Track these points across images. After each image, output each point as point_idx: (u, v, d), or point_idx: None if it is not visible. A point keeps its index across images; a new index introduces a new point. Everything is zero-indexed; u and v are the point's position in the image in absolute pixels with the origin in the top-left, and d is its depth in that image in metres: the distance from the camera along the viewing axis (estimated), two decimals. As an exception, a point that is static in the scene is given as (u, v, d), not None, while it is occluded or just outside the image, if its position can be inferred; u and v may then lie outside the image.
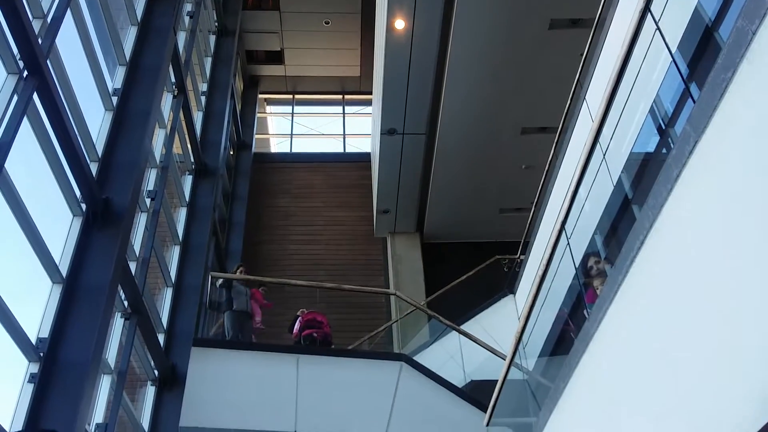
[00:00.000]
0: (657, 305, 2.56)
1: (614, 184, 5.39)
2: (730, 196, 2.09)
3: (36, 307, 5.50)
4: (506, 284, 10.68)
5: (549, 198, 8.40)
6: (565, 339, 6.29)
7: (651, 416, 2.55)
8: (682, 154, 2.32)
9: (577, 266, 4.77)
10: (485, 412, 5.93)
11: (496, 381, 5.73)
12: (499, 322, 9.84)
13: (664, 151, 4.96)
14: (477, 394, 7.39)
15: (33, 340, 5.44)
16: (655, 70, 4.57)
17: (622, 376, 2.86)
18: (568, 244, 4.53)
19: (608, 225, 5.76)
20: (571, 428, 3.54)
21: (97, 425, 6.69)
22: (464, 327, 9.07)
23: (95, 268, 5.77)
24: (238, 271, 9.00)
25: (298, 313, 9.13)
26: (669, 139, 4.78)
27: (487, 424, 5.72)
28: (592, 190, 5.33)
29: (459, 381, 8.35)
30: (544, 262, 4.43)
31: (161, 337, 8.74)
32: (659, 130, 5.12)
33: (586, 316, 3.57)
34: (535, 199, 9.40)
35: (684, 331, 2.33)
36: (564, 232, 4.31)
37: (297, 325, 8.93)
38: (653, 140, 5.32)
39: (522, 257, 10.15)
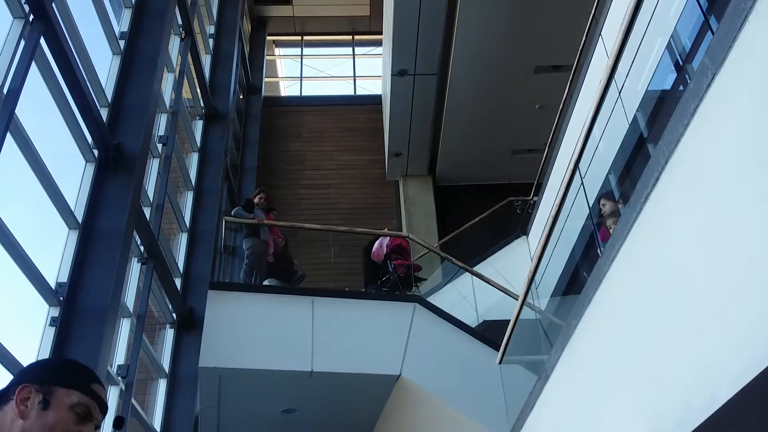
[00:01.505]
0: (672, 242, 2.54)
1: (629, 122, 5.31)
2: (748, 128, 2.05)
3: (54, 253, 5.58)
4: (519, 226, 10.69)
5: (563, 138, 8.30)
6: (578, 279, 6.32)
7: (664, 351, 2.57)
8: (699, 87, 2.27)
9: (590, 206, 4.74)
10: (498, 350, 6.03)
11: (509, 321, 5.80)
12: (511, 263, 9.89)
13: (681, 88, 4.85)
14: (490, 333, 7.49)
15: (52, 285, 5.54)
16: (673, 4, 4.44)
17: (635, 312, 2.87)
18: (582, 183, 4.49)
19: (623, 164, 5.70)
20: (583, 364, 3.58)
21: (119, 366, 6.88)
22: (477, 269, 9.13)
23: (110, 214, 5.82)
24: (258, 196, 8.92)
25: (382, 232, 9.11)
26: (686, 76, 4.67)
27: (500, 362, 5.81)
28: (606, 129, 5.25)
29: (472, 321, 8.45)
30: (558, 201, 4.40)
31: (178, 282, 8.89)
32: (676, 66, 5.00)
33: (599, 254, 3.57)
34: (549, 140, 9.30)
35: (700, 267, 2.32)
36: (578, 171, 4.27)
37: (380, 248, 8.85)
38: (670, 77, 5.21)
39: (535, 199, 10.12)
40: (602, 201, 4.94)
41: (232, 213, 8.66)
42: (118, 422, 1.47)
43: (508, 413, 5.49)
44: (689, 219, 2.41)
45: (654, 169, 2.62)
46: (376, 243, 9.10)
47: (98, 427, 1.36)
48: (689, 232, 2.40)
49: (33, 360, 5.04)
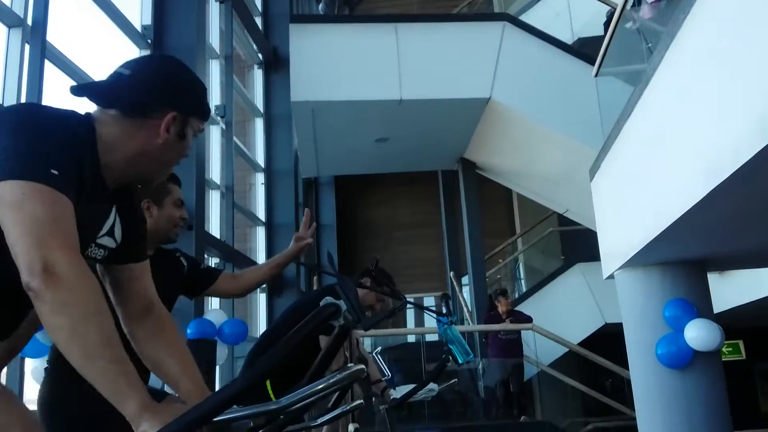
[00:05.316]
0: None
1: None
2: None
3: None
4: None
5: None
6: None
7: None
8: None
9: None
10: (593, 65, 5.76)
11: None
12: (609, -28, 9.01)
13: None
14: (585, 49, 7.13)
15: (138, 29, 5.58)
16: None
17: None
18: None
19: None
20: (688, 63, 3.34)
21: (216, 107, 7.15)
22: (570, -19, 8.39)
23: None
24: None
25: None
26: None
27: (596, 75, 5.59)
28: None
29: (566, 39, 8.00)
30: None
31: (259, 21, 8.77)
32: None
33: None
34: None
35: None
36: None
37: None
38: None
39: None
40: None
41: None
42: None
43: (603, 125, 5.40)
44: None
45: None
46: None
47: None
48: None
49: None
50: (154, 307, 1.40)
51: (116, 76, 1.28)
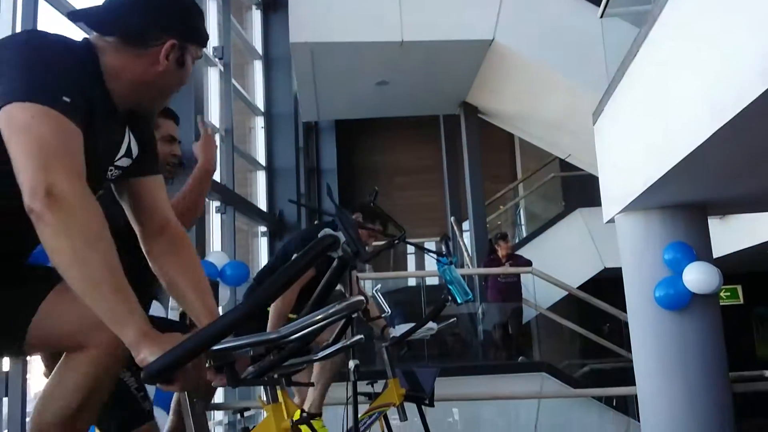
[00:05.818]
0: None
1: None
2: None
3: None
4: None
5: None
6: None
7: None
8: None
9: None
10: (599, 6, 5.63)
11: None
12: None
13: None
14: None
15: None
16: None
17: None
18: None
19: None
20: (694, 6, 3.26)
21: (214, 48, 7.03)
22: None
23: None
24: None
25: None
26: None
27: (601, 16, 5.47)
28: None
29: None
30: None
31: (256, -42, 8.54)
32: None
33: None
34: None
35: None
36: None
37: None
38: None
39: None
40: None
41: None
42: None
43: (608, 68, 5.31)
44: None
45: None
46: None
47: None
48: None
49: None
50: (170, 224, 1.41)
51: (113, 2, 1.27)
